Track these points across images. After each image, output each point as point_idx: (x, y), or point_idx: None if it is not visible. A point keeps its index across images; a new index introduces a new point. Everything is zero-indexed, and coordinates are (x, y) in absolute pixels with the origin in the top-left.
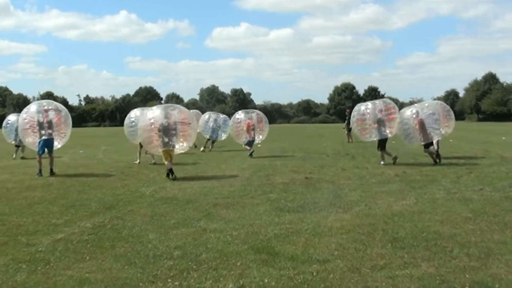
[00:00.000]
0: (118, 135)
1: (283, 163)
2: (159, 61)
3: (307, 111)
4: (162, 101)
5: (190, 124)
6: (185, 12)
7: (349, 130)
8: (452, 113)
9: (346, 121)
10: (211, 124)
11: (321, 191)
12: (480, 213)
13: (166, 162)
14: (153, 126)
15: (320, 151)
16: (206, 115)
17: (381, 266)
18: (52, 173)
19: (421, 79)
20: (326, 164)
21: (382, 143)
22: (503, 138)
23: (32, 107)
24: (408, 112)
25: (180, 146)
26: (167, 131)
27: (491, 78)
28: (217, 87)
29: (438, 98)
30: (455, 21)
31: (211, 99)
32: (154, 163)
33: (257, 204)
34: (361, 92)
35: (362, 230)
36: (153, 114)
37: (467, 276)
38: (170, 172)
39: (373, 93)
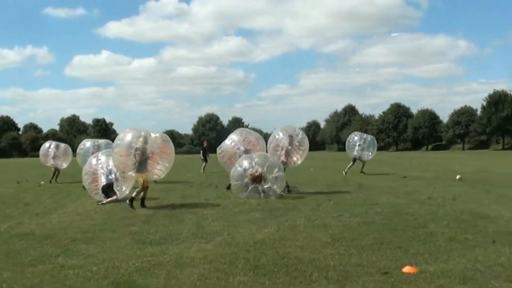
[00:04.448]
0: None
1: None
2: (15, 89)
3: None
4: (20, 132)
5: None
6: (44, 39)
7: (206, 160)
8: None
9: (202, 152)
10: (358, 143)
11: (184, 222)
12: (338, 238)
13: (135, 191)
14: (132, 149)
15: (184, 181)
16: (353, 136)
17: None
18: None
19: (284, 110)
20: (190, 194)
21: None
22: None
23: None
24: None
25: (157, 172)
26: (144, 155)
27: (350, 110)
28: (78, 116)
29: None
30: (315, 56)
31: (72, 129)
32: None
33: (118, 238)
34: (225, 122)
35: (224, 260)
36: (134, 137)
37: None
38: (142, 201)
39: (237, 124)
